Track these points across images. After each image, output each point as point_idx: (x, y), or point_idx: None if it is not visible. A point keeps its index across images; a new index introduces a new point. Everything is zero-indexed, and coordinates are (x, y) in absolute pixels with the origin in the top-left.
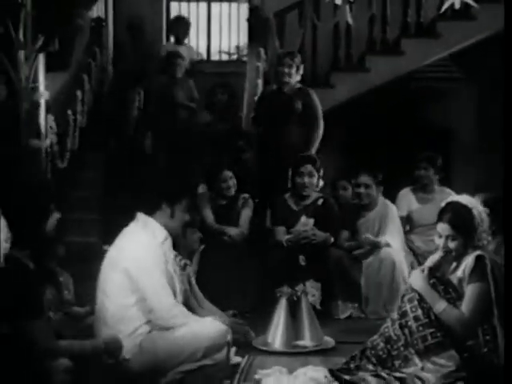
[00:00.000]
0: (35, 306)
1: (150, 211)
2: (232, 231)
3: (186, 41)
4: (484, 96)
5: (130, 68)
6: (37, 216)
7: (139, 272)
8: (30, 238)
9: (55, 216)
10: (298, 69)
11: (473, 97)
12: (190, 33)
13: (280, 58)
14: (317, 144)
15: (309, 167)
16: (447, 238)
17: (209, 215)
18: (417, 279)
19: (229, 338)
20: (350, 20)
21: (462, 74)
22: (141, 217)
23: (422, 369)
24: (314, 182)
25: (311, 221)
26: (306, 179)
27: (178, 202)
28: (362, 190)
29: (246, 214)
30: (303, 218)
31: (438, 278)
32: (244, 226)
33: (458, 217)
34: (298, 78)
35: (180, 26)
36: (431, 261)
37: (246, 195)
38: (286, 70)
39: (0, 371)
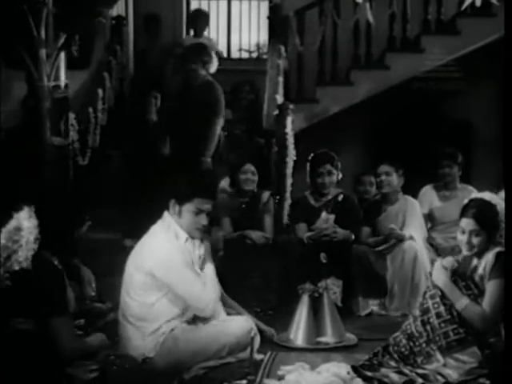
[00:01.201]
0: (60, 304)
1: (163, 206)
2: (254, 235)
3: (205, 33)
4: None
5: (147, 70)
6: (72, 225)
7: (165, 271)
8: (61, 241)
9: (87, 224)
10: (205, 63)
11: (492, 92)
12: (209, 25)
13: (187, 53)
14: (215, 140)
15: (328, 166)
16: (471, 233)
17: (226, 224)
18: (439, 276)
19: (253, 334)
20: (370, 18)
21: (462, 74)
22: (167, 217)
23: (444, 365)
24: (334, 179)
25: (332, 217)
26: (326, 179)
27: (185, 201)
28: (383, 177)
29: (269, 219)
30: (324, 215)
31: (459, 274)
32: (268, 232)
33: (482, 212)
34: (212, 70)
35: (198, 19)
36: (447, 264)
37: (268, 193)
38: (193, 66)
39: (21, 366)
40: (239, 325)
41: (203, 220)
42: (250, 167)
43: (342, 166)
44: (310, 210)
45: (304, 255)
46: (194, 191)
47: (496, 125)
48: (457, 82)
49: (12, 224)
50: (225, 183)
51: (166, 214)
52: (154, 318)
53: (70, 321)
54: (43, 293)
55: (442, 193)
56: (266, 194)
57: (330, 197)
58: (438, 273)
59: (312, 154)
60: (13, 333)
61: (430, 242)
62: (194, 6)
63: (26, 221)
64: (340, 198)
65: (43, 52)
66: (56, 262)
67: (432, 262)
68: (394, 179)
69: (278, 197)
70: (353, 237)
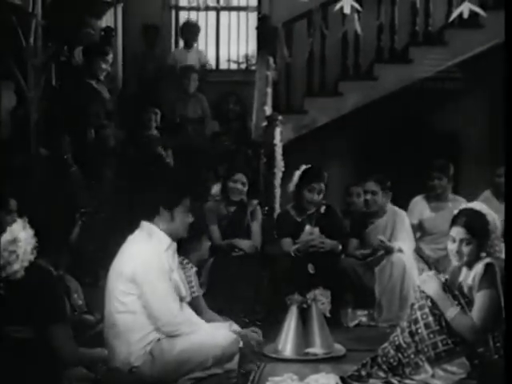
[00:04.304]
0: (60, 311)
1: (150, 217)
2: (243, 244)
3: (195, 45)
4: (494, 99)
5: (142, 87)
6: (63, 227)
7: (144, 279)
8: (55, 247)
9: (77, 227)
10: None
11: (483, 100)
12: (198, 37)
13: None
14: None
15: (321, 185)
16: (461, 241)
17: (215, 232)
18: (430, 285)
19: (241, 344)
20: (358, 29)
21: (461, 74)
22: (145, 225)
23: (433, 376)
24: (321, 198)
25: (316, 229)
26: (316, 196)
27: (175, 205)
28: (368, 196)
29: (256, 226)
30: (307, 228)
31: (447, 285)
32: (256, 240)
33: (473, 220)
34: None
35: (189, 30)
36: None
37: (255, 202)
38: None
39: (21, 375)
40: (225, 335)
41: (190, 218)
42: (241, 177)
43: (331, 177)
44: (293, 225)
45: (292, 266)
46: (183, 192)
47: (484, 135)
48: (449, 88)
49: (6, 236)
50: (215, 190)
51: (143, 223)
52: (139, 328)
53: (69, 328)
54: (42, 300)
55: (433, 203)
56: (253, 203)
57: (312, 210)
58: (430, 282)
59: (305, 167)
60: (10, 341)
61: (418, 253)
62: (182, 16)
63: (22, 232)
64: (322, 209)
65: (32, 63)
66: (52, 270)
67: (420, 273)
68: (380, 198)
69: (266, 208)
70: (340, 247)
